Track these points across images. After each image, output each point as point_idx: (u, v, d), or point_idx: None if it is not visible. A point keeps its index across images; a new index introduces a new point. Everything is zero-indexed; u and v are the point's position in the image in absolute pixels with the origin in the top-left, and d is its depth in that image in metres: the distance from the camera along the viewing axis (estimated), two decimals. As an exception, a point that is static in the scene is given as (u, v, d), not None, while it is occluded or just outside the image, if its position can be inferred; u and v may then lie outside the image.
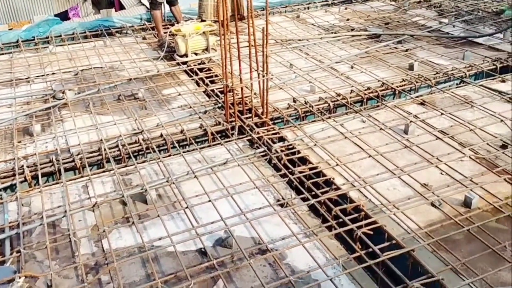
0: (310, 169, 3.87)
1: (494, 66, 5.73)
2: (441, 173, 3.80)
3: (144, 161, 4.18)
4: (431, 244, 3.06)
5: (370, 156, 4.04)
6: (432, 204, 3.44)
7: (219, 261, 2.97)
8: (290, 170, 3.86)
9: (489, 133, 4.30)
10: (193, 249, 3.12)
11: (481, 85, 5.28)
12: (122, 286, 2.80)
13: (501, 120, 4.49)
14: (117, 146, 4.32)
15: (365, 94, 5.19)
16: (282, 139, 4.39)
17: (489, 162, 3.91)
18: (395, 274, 2.85)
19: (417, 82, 5.38)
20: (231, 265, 2.96)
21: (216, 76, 5.73)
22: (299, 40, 7.00)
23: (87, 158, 4.15)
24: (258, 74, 4.42)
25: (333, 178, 3.72)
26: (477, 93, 5.12)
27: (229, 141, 4.40)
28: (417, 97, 5.10)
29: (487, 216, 3.31)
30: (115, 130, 4.61)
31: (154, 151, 4.23)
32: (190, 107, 5.03)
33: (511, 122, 4.42)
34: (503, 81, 5.41)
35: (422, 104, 4.95)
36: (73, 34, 7.38)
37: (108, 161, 4.19)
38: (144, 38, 7.35)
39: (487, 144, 4.14)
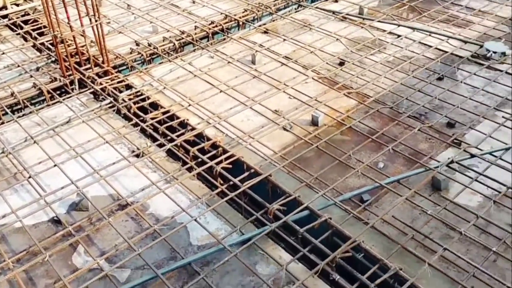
0: (163, 113, 3.73)
1: (327, -13, 5.98)
2: (289, 97, 3.94)
3: (-29, 135, 3.64)
4: (286, 166, 3.20)
5: (221, 91, 4.02)
6: (284, 128, 3.57)
7: (75, 227, 2.76)
8: (141, 118, 3.68)
9: (328, 53, 4.54)
10: (45, 219, 2.86)
11: (316, 7, 5.50)
12: (-35, 278, 2.48)
13: (337, 39, 4.76)
14: None
15: (210, 28, 5.09)
16: (129, 86, 4.14)
17: (330, 80, 4.15)
18: (258, 200, 2.94)
19: (258, 11, 5.41)
20: (90, 228, 2.78)
21: (44, 27, 5.11)
22: (135, -22, 6.52)
23: None
24: (90, 20, 4.03)
25: (187, 119, 3.65)
26: (314, 16, 5.33)
27: (70, 97, 4.02)
28: (260, 26, 5.14)
29: (333, 130, 3.54)
30: None
31: (-18, 121, 3.71)
32: (19, 66, 4.45)
33: (345, 40, 4.72)
34: (336, 1, 5.69)
35: (265, 32, 5.01)
36: None
37: None
38: (-52, -8, 6.22)
39: (327, 63, 4.38)
